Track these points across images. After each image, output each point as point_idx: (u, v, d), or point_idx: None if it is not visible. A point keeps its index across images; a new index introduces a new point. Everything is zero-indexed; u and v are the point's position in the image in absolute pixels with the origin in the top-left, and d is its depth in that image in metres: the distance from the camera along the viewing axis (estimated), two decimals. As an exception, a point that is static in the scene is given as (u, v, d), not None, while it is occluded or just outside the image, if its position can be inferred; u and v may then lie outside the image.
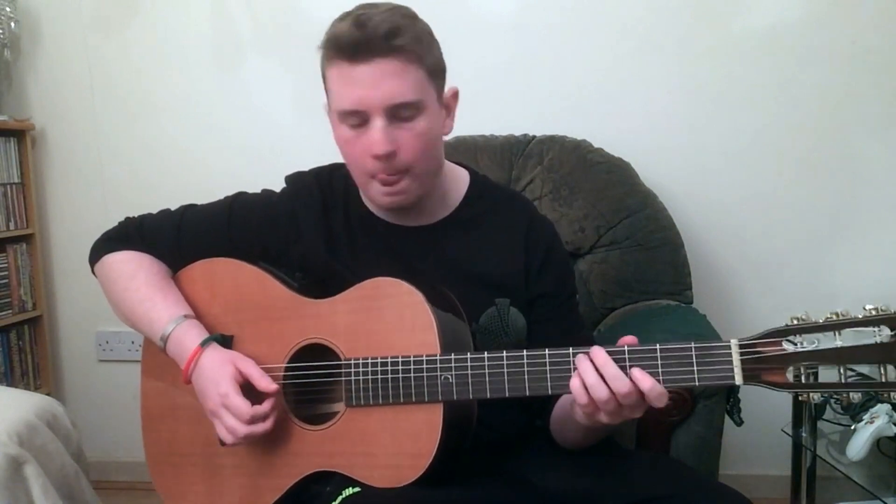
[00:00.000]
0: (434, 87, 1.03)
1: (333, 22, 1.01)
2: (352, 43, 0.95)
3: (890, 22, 1.86)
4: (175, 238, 1.19)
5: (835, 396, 1.67)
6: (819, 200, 1.96)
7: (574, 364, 0.90)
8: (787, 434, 1.74)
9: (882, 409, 1.56)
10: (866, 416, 1.56)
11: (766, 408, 1.70)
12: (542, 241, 1.16)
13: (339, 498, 0.97)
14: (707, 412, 1.36)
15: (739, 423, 1.37)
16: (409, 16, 1.01)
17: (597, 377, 0.87)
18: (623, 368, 0.87)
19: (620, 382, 0.86)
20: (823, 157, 1.94)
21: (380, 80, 0.97)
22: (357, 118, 1.00)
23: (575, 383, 0.89)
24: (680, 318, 1.57)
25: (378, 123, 0.98)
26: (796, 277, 1.98)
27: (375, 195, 1.06)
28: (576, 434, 1.06)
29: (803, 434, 1.70)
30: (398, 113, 0.99)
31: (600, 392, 0.87)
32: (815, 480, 1.75)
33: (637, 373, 0.86)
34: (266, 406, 1.02)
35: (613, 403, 0.87)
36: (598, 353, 0.88)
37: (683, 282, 1.72)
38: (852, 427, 1.58)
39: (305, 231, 1.15)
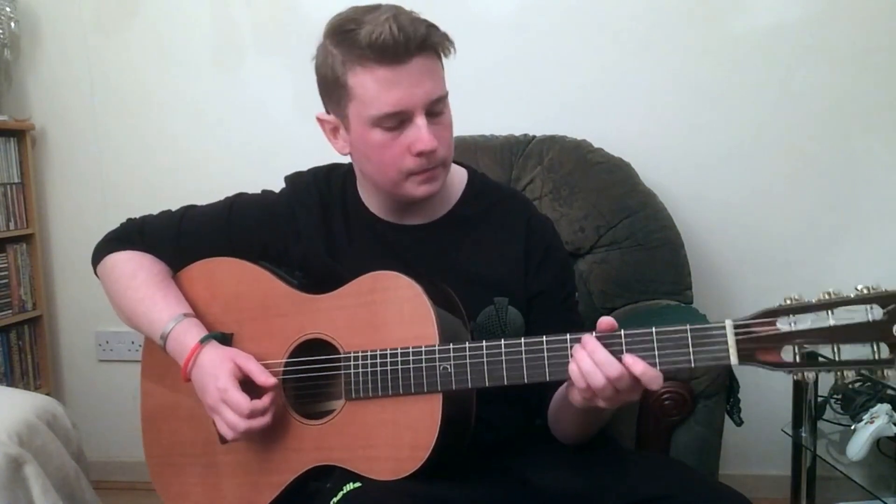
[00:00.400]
0: None
1: (345, 30, 0.99)
2: (394, 46, 0.96)
3: (890, 22, 1.86)
4: (176, 238, 1.20)
5: (834, 396, 1.68)
6: (819, 200, 1.96)
7: (570, 351, 0.91)
8: (787, 434, 1.74)
9: (882, 409, 1.56)
10: (866, 416, 1.56)
11: (766, 408, 1.70)
12: (542, 240, 1.16)
13: (340, 494, 0.97)
14: (707, 412, 1.36)
15: (739, 423, 1.37)
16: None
17: (591, 364, 0.88)
18: (615, 353, 0.88)
19: (611, 367, 0.87)
20: (823, 157, 1.94)
21: (420, 79, 0.99)
22: (396, 120, 1.01)
23: (573, 369, 0.90)
24: (680, 318, 1.56)
25: (421, 121, 1.01)
26: (797, 277, 1.98)
27: (410, 189, 1.06)
28: (573, 423, 1.06)
29: (803, 434, 1.70)
30: (433, 108, 1.02)
31: (596, 378, 0.87)
32: (815, 480, 1.75)
33: (629, 358, 0.87)
34: (265, 400, 1.02)
35: (610, 389, 0.88)
36: (588, 340, 0.89)
37: (683, 282, 1.72)
38: (852, 427, 1.58)
39: (305, 231, 1.16)
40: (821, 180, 1.95)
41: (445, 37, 1.02)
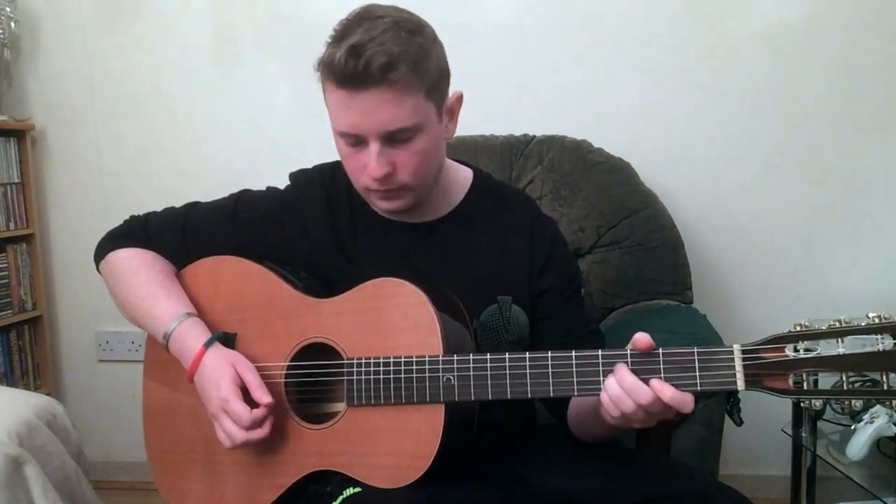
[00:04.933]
0: (434, 103, 1.01)
1: (332, 38, 0.98)
2: (347, 74, 0.94)
3: (889, 22, 1.86)
4: (180, 235, 1.19)
5: (835, 402, 1.68)
6: (819, 200, 1.96)
7: (575, 367, 0.91)
8: (787, 434, 1.74)
9: (882, 409, 1.56)
10: (866, 416, 1.56)
11: (766, 408, 1.68)
12: (547, 238, 1.16)
13: (340, 498, 0.97)
14: (707, 412, 1.36)
15: (739, 423, 1.36)
16: (410, 31, 0.97)
17: (620, 390, 0.87)
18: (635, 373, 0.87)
19: (641, 393, 0.86)
20: (824, 158, 1.94)
21: (374, 111, 0.96)
22: (353, 139, 1.01)
23: (605, 398, 0.89)
24: (680, 318, 1.57)
25: (374, 148, 0.99)
26: (796, 277, 1.98)
27: (374, 201, 1.08)
28: (599, 431, 1.05)
29: (803, 434, 1.70)
30: (395, 136, 0.99)
31: (626, 404, 0.87)
32: (815, 480, 1.75)
33: (657, 384, 0.86)
34: (263, 410, 1.02)
35: (641, 413, 0.87)
36: (620, 369, 0.88)
37: (683, 282, 1.72)
38: (852, 427, 1.58)
39: (311, 226, 1.15)
40: (821, 180, 1.95)
41: (413, 69, 0.95)
